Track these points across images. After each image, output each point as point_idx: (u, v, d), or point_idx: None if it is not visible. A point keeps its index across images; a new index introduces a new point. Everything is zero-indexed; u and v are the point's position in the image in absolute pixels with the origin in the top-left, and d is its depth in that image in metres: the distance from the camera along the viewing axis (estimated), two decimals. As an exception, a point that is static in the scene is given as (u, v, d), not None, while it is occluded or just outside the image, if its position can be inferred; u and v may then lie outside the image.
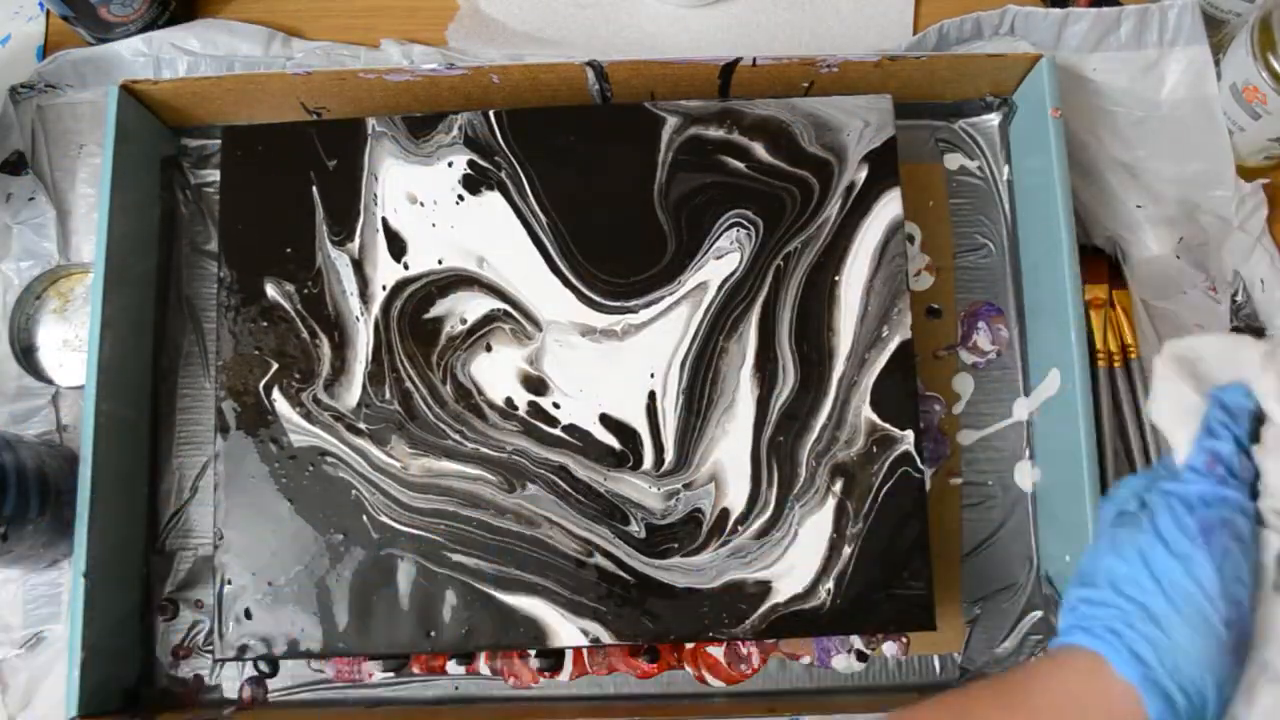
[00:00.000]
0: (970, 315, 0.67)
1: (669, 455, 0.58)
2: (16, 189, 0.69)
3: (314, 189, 0.61)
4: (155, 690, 0.62)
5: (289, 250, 0.61)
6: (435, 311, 0.60)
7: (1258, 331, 0.68)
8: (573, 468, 0.58)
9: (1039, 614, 0.63)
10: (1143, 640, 0.35)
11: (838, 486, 0.58)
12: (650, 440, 0.58)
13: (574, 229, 0.60)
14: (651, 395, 0.59)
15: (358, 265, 0.60)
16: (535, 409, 0.59)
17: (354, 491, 0.58)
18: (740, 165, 0.61)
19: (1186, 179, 0.68)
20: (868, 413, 0.58)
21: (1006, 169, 0.69)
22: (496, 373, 0.59)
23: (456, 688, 0.62)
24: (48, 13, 0.73)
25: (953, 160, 0.69)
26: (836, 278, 0.60)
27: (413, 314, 0.60)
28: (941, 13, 0.73)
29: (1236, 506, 0.37)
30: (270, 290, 0.60)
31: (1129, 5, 0.66)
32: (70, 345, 0.67)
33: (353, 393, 0.59)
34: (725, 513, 0.57)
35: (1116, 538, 0.38)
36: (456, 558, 0.57)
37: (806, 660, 0.63)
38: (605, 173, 0.61)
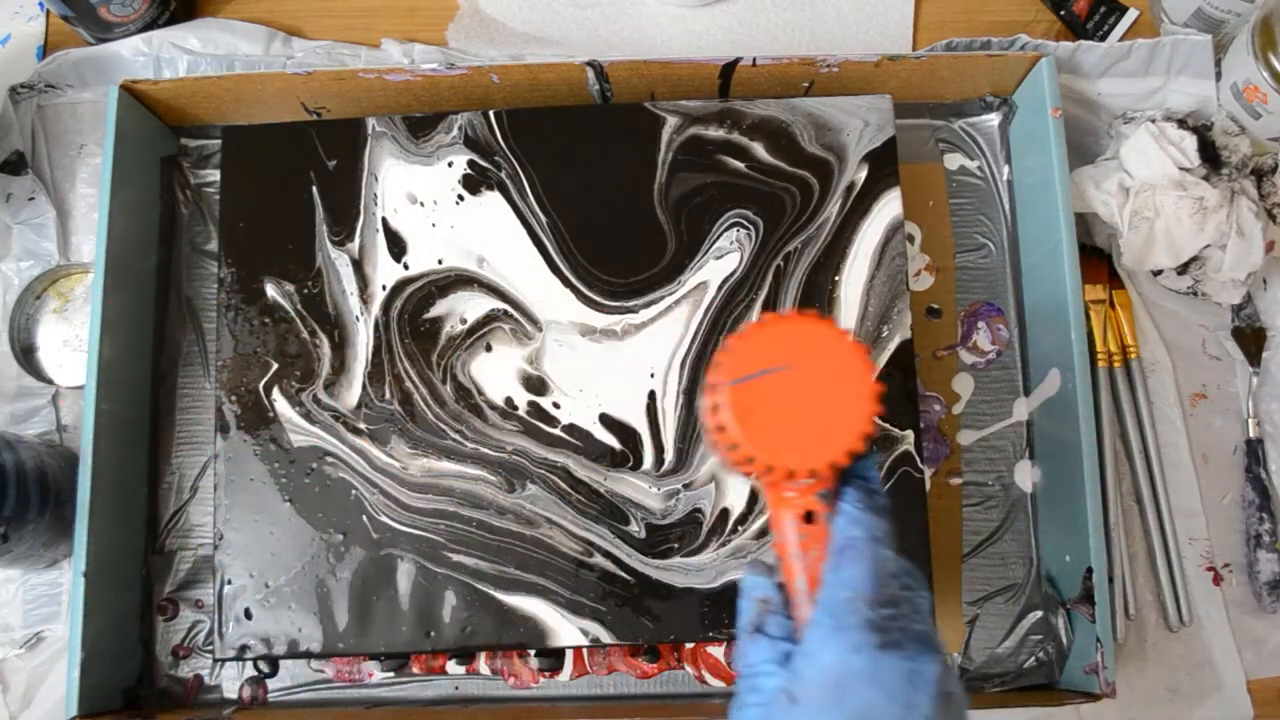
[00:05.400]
0: (970, 315, 0.67)
1: (669, 455, 0.58)
2: (16, 189, 0.69)
3: (314, 189, 0.61)
4: (155, 690, 0.62)
5: (289, 250, 0.61)
6: (435, 311, 0.60)
7: (1259, 332, 0.68)
8: (573, 468, 0.58)
9: (1039, 614, 0.63)
10: None
11: (838, 486, 0.58)
12: (650, 440, 0.58)
13: (574, 229, 0.60)
14: (651, 395, 0.59)
15: (358, 265, 0.60)
16: (535, 409, 0.59)
17: (354, 491, 0.58)
18: (740, 165, 0.61)
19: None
20: (868, 413, 0.58)
21: (1006, 169, 0.69)
22: (496, 373, 0.59)
23: (456, 688, 0.62)
24: (48, 13, 0.73)
25: (953, 160, 0.69)
26: (836, 278, 0.60)
27: (413, 314, 0.60)
28: (941, 13, 0.73)
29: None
30: (270, 290, 0.60)
31: (1141, 40, 0.66)
32: (70, 345, 0.67)
33: (353, 393, 0.59)
34: (725, 513, 0.57)
35: None
36: (456, 558, 0.57)
37: (806, 660, 0.63)
38: (605, 173, 0.61)
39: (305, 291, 0.60)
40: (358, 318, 0.60)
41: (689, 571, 0.57)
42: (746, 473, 0.39)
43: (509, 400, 0.59)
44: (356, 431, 0.58)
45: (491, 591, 0.57)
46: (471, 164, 0.61)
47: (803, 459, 0.38)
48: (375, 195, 0.61)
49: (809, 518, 0.40)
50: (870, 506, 0.40)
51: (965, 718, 0.39)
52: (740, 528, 0.57)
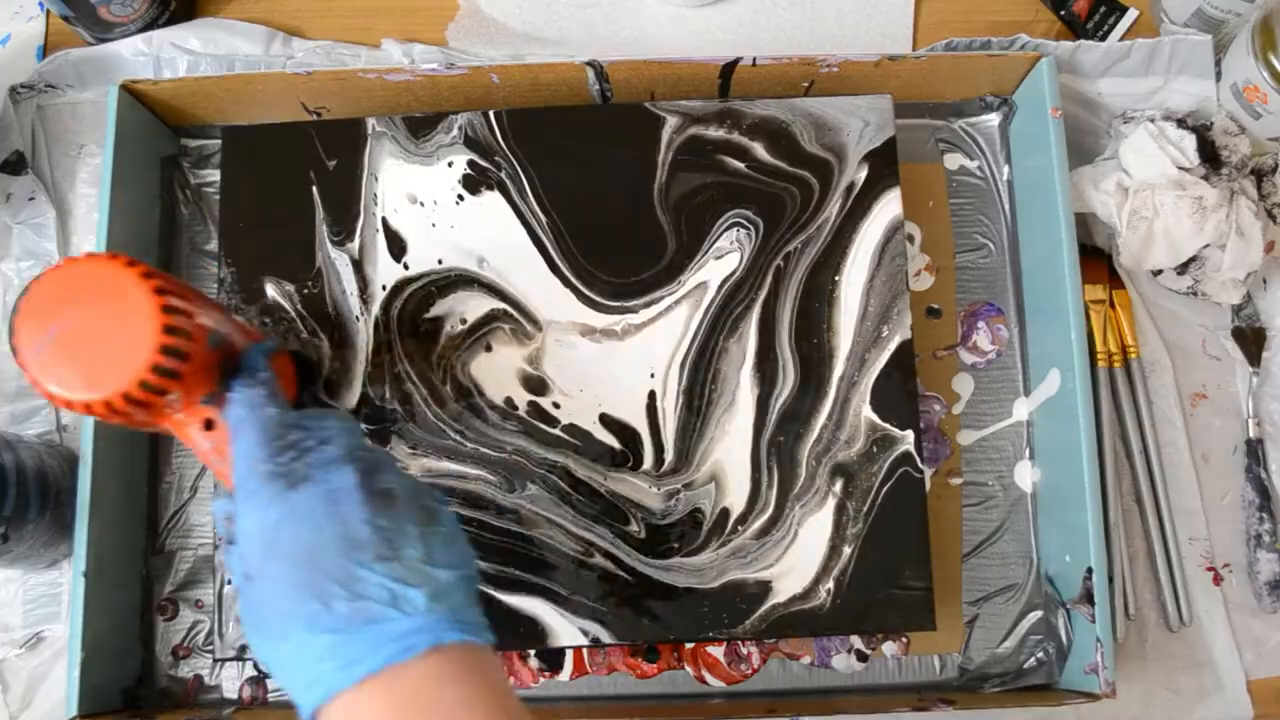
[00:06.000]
0: (970, 315, 0.67)
1: (669, 455, 0.58)
2: (16, 189, 0.69)
3: (314, 189, 0.61)
4: (155, 690, 0.62)
5: (289, 250, 0.61)
6: (435, 311, 0.60)
7: (1259, 332, 0.68)
8: (573, 468, 0.58)
9: (1039, 614, 0.63)
10: None
11: (838, 486, 0.58)
12: (650, 440, 0.58)
13: (574, 229, 0.60)
14: (651, 395, 0.59)
15: (358, 265, 0.60)
16: (535, 409, 0.59)
17: (354, 491, 0.58)
18: (740, 165, 0.61)
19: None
20: (868, 413, 0.58)
21: (1006, 169, 0.69)
22: (496, 373, 0.59)
23: (456, 688, 0.62)
24: (48, 13, 0.73)
25: (953, 160, 0.69)
26: (836, 278, 0.60)
27: (413, 314, 0.60)
28: (941, 13, 0.73)
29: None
30: (270, 290, 0.60)
31: (1141, 40, 0.66)
32: (70, 345, 0.67)
33: (353, 393, 0.59)
34: (725, 513, 0.57)
35: None
36: (456, 558, 0.57)
37: (806, 660, 0.63)
38: (605, 173, 0.61)
39: (305, 291, 0.60)
40: (358, 318, 0.60)
41: (689, 571, 0.57)
42: (100, 415, 0.40)
43: (509, 400, 0.59)
44: (356, 431, 0.58)
45: (491, 591, 0.57)
46: (471, 164, 0.61)
47: (124, 381, 0.39)
48: (375, 195, 0.61)
49: (209, 425, 0.42)
50: (251, 383, 0.42)
51: (426, 505, 0.40)
52: (740, 528, 0.57)
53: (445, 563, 0.39)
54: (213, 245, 0.67)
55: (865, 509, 0.57)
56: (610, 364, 0.59)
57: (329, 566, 0.37)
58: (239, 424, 0.41)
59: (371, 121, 0.62)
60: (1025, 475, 0.65)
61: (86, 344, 0.40)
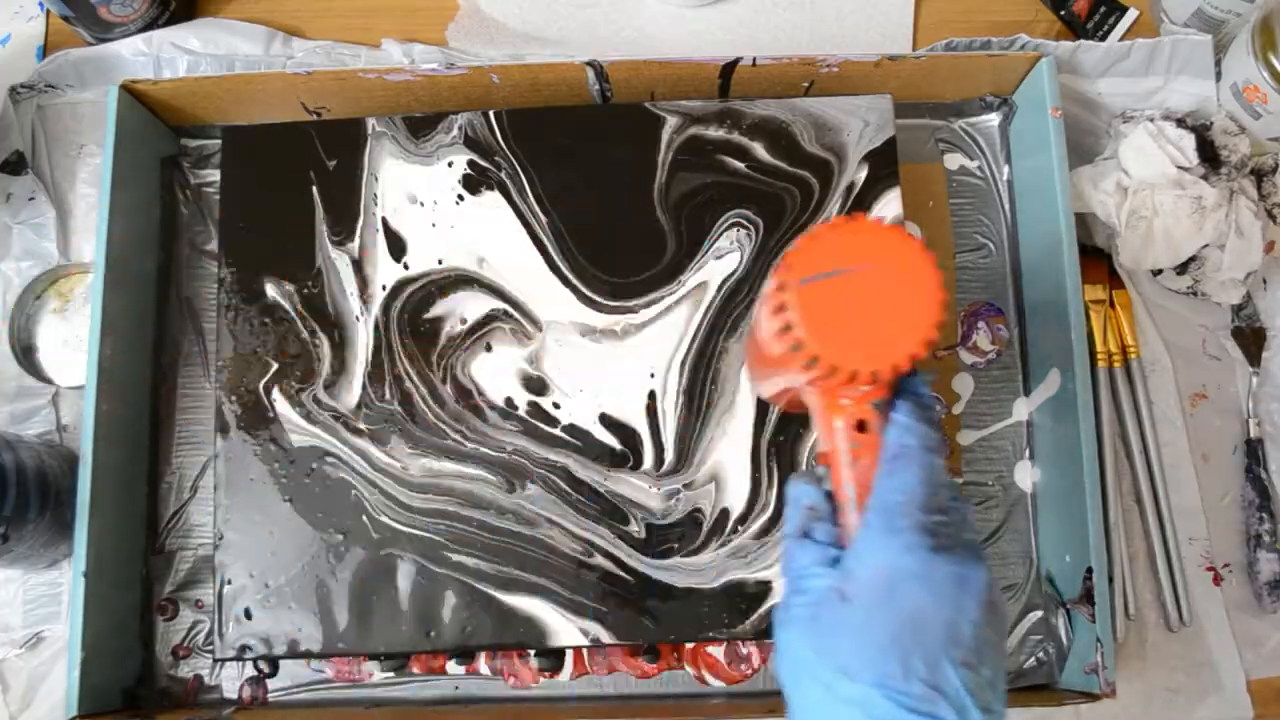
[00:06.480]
0: (970, 315, 0.67)
1: (669, 455, 0.58)
2: (16, 189, 0.69)
3: (314, 189, 0.61)
4: (155, 690, 0.62)
5: (289, 250, 0.61)
6: (435, 311, 0.60)
7: (1259, 332, 0.68)
8: (573, 468, 0.58)
9: (1039, 614, 0.63)
10: None
11: (838, 486, 0.58)
12: (650, 440, 0.58)
13: (574, 229, 0.60)
14: (651, 395, 0.59)
15: (358, 265, 0.60)
16: (535, 409, 0.59)
17: (354, 491, 0.58)
18: (740, 165, 0.61)
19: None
20: (868, 413, 0.58)
21: (1006, 169, 0.69)
22: (496, 373, 0.59)
23: (456, 688, 0.62)
24: (48, 13, 0.73)
25: (953, 160, 0.69)
26: (836, 278, 0.60)
27: (413, 314, 0.60)
28: (941, 13, 0.73)
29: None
30: (270, 290, 0.60)
31: (1141, 40, 0.66)
32: (70, 345, 0.67)
33: (353, 393, 0.59)
34: (725, 513, 0.57)
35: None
36: (456, 558, 0.57)
37: (807, 660, 0.63)
38: (605, 173, 0.61)
39: (305, 291, 0.60)
40: (358, 318, 0.60)
41: (689, 571, 0.57)
42: (806, 374, 0.38)
43: (509, 400, 0.59)
44: (356, 431, 0.58)
45: (491, 591, 0.57)
46: (471, 164, 0.61)
47: (867, 360, 0.37)
48: (375, 195, 0.61)
49: (861, 427, 0.40)
50: (923, 418, 0.40)
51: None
52: (740, 528, 0.57)
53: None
54: (213, 245, 0.67)
55: (865, 509, 0.57)
56: (610, 364, 0.59)
57: (925, 644, 0.36)
58: (904, 451, 0.39)
59: (371, 121, 0.62)
60: (1025, 475, 0.65)
61: (858, 304, 0.37)
